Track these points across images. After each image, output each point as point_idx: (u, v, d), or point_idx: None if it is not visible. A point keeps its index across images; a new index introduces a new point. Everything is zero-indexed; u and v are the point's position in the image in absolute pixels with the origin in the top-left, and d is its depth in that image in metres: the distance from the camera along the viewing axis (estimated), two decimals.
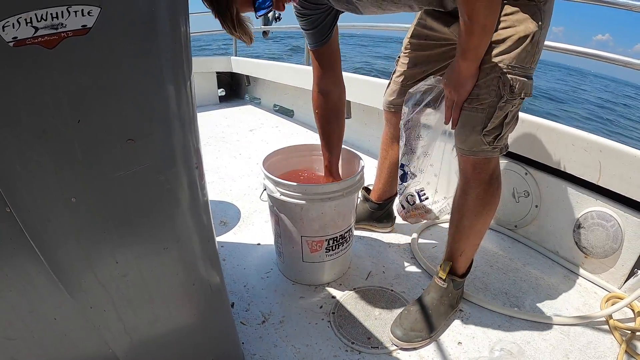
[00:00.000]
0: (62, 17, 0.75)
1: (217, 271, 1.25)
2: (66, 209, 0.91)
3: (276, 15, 1.87)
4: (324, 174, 2.02)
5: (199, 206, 1.10)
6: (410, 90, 1.74)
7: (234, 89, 5.72)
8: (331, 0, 1.60)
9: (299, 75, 4.23)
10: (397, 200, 2.03)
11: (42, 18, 0.74)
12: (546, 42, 2.37)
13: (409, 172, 1.85)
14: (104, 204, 0.95)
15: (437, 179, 1.90)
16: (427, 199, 1.94)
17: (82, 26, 0.77)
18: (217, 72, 5.35)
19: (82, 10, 0.76)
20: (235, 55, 5.36)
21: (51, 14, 0.74)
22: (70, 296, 1.00)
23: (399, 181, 1.90)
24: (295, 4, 1.68)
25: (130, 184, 0.96)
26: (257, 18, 1.45)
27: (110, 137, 0.89)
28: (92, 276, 1.01)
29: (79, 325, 1.06)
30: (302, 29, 1.79)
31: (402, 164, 1.84)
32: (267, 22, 3.51)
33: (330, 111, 1.92)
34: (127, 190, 0.96)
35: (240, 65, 5.21)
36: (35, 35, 0.74)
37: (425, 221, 2.05)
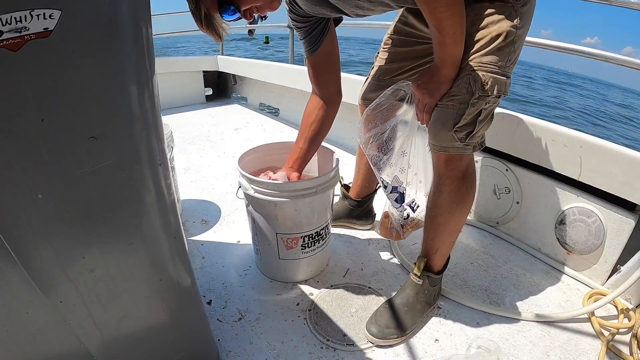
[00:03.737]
0: (25, 20, 0.76)
1: (185, 268, 1.25)
2: (34, 206, 0.92)
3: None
4: (286, 165, 1.95)
5: (164, 202, 1.10)
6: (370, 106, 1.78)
7: (220, 88, 5.71)
8: (313, 7, 1.61)
9: (285, 74, 4.23)
10: (385, 223, 2.03)
11: (7, 22, 0.75)
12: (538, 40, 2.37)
13: (404, 192, 1.85)
14: (70, 201, 0.96)
15: (422, 185, 1.91)
16: (418, 207, 1.94)
17: (44, 29, 0.78)
18: (204, 72, 5.34)
19: (44, 13, 0.77)
20: (222, 54, 5.35)
21: (15, 18, 0.75)
22: (41, 292, 1.00)
23: (395, 204, 1.88)
24: (289, 17, 1.74)
25: (95, 181, 0.97)
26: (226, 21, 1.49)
27: (74, 135, 0.90)
28: (60, 272, 1.01)
29: (50, 321, 1.07)
30: (299, 38, 1.84)
31: (393, 187, 1.83)
32: (253, 21, 3.54)
33: (316, 110, 1.92)
34: (92, 186, 0.97)
35: (227, 64, 5.21)
36: (0, 39, 0.75)
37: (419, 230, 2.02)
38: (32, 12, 0.76)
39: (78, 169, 0.93)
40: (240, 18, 1.46)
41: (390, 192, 1.84)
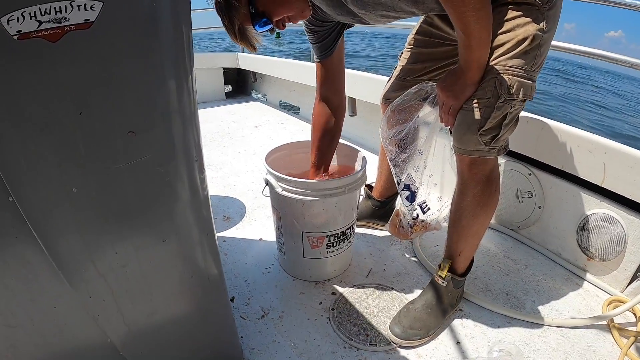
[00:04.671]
0: (66, 11, 0.76)
1: (215, 264, 1.26)
2: (67, 200, 0.92)
3: None
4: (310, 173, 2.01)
5: (199, 199, 1.11)
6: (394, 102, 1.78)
7: (240, 85, 5.72)
8: (337, 15, 1.63)
9: (306, 72, 4.21)
10: (394, 220, 2.03)
11: (46, 12, 0.75)
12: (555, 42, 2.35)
13: (415, 191, 1.85)
14: (105, 195, 0.97)
15: (436, 187, 1.91)
16: (429, 209, 1.94)
17: (84, 20, 0.78)
18: (224, 68, 5.35)
19: (85, 4, 0.77)
20: (242, 52, 5.36)
21: (55, 8, 0.75)
22: (70, 286, 1.01)
23: (406, 202, 1.88)
24: (305, 20, 1.73)
25: (131, 176, 0.97)
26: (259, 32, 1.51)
27: (111, 129, 0.90)
28: (91, 266, 1.02)
29: (78, 315, 1.08)
30: (310, 42, 1.84)
31: (405, 184, 1.83)
32: None
33: (327, 119, 1.94)
34: (128, 181, 0.98)
35: (247, 61, 5.21)
36: (39, 28, 0.75)
37: (429, 231, 2.04)
38: (72, 3, 0.76)
39: (115, 164, 0.94)
40: (273, 29, 1.49)
41: (402, 190, 1.84)
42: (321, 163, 1.97)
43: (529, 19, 1.39)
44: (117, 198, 0.99)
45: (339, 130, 1.99)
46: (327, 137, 1.96)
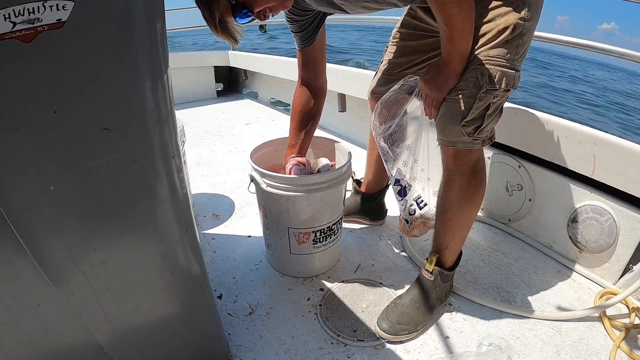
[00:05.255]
0: (39, 12, 0.77)
1: (197, 261, 1.25)
2: (46, 198, 0.92)
3: None
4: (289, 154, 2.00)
5: (177, 196, 1.11)
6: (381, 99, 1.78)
7: (231, 83, 5.72)
8: (317, 5, 1.63)
9: (296, 69, 4.18)
10: (400, 216, 2.01)
11: (19, 13, 0.76)
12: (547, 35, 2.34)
13: (406, 185, 1.84)
14: (82, 192, 0.97)
15: (430, 182, 1.89)
16: (426, 205, 1.92)
17: (57, 20, 0.79)
18: (215, 67, 5.34)
19: (57, 4, 0.78)
20: (233, 50, 5.35)
21: (28, 9, 0.76)
22: (52, 284, 1.01)
23: (397, 197, 1.88)
24: (285, 10, 1.71)
25: (108, 173, 0.97)
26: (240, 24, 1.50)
27: (87, 127, 0.91)
28: (72, 264, 1.02)
29: (61, 313, 1.08)
30: (290, 30, 1.85)
31: (396, 179, 1.83)
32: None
33: (307, 101, 1.97)
34: (105, 178, 0.98)
35: (238, 59, 5.20)
36: (13, 29, 0.76)
37: (431, 229, 2.01)
38: (45, 3, 0.77)
39: (91, 161, 0.93)
40: (254, 19, 1.46)
41: (394, 185, 1.85)
42: (297, 143, 1.97)
43: (509, 8, 1.38)
44: (94, 195, 0.98)
45: (319, 112, 2.00)
46: (305, 118, 1.97)
